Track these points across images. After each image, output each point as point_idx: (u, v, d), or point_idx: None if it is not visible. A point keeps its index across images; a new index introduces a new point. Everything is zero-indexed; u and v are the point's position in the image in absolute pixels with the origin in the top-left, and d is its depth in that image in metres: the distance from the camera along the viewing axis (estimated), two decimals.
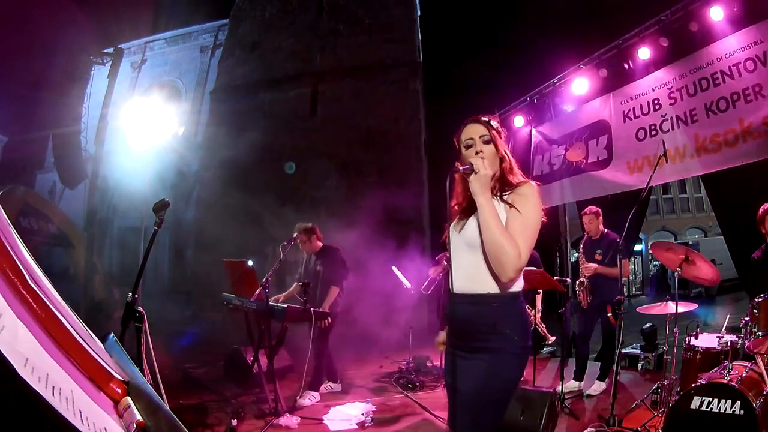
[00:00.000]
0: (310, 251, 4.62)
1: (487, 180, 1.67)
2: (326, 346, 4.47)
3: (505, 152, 1.82)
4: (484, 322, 1.68)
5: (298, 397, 4.10)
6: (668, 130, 4.96)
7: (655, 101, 5.15)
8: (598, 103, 5.90)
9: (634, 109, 5.42)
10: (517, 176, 1.81)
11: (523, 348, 1.70)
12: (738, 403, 2.48)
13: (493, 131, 1.80)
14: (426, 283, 5.54)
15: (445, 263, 5.40)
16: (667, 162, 4.56)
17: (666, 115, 5.01)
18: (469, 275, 1.71)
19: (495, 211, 1.65)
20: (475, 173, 1.67)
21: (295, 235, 4.52)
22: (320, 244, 4.65)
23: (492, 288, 1.68)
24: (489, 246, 1.62)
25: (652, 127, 5.16)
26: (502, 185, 1.78)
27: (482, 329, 1.68)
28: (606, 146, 5.73)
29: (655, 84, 5.16)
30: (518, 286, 1.72)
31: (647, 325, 5.16)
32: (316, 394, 4.32)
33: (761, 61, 4.12)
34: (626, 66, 5.48)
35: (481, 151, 1.75)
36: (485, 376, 1.66)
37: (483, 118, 1.84)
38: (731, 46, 4.38)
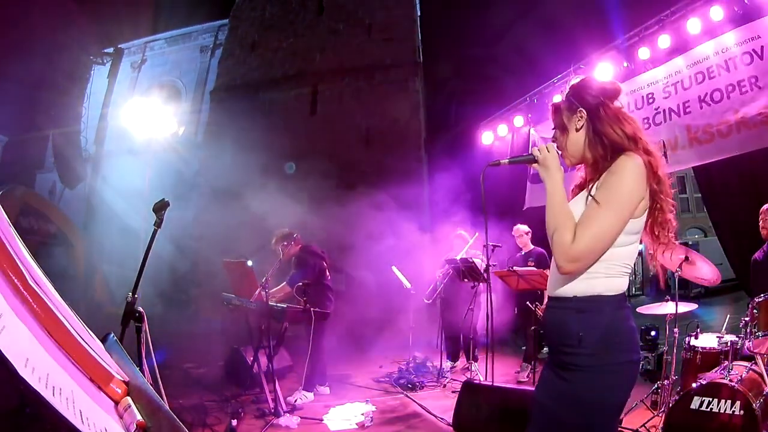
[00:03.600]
0: (290, 256, 4.56)
1: (551, 163, 1.46)
2: (320, 346, 4.45)
3: (597, 130, 1.43)
4: (567, 331, 1.39)
5: (289, 397, 4.12)
6: (660, 123, 5.03)
7: (650, 96, 5.22)
8: None
9: (628, 104, 5.48)
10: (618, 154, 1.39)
11: (606, 364, 1.35)
12: (738, 403, 2.48)
13: (564, 114, 1.50)
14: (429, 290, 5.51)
15: (446, 266, 5.41)
16: (667, 162, 4.59)
17: (659, 108, 5.07)
18: (554, 275, 1.46)
19: (560, 191, 1.42)
20: (536, 161, 1.48)
21: (273, 241, 4.48)
22: (298, 248, 4.59)
23: (574, 290, 1.40)
24: (547, 228, 1.40)
25: (645, 121, 5.22)
26: (599, 173, 1.42)
27: (566, 341, 1.40)
28: None
29: (651, 80, 5.23)
30: (609, 287, 1.39)
31: (647, 325, 5.16)
32: (309, 395, 4.32)
33: (758, 55, 4.18)
34: (625, 65, 5.51)
35: (554, 139, 1.54)
36: (566, 399, 1.39)
37: (555, 101, 1.55)
38: (729, 42, 4.44)
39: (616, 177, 1.35)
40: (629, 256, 1.41)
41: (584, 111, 1.45)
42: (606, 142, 1.42)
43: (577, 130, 1.47)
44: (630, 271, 1.43)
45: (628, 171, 1.35)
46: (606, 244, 1.35)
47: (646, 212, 1.40)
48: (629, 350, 1.39)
